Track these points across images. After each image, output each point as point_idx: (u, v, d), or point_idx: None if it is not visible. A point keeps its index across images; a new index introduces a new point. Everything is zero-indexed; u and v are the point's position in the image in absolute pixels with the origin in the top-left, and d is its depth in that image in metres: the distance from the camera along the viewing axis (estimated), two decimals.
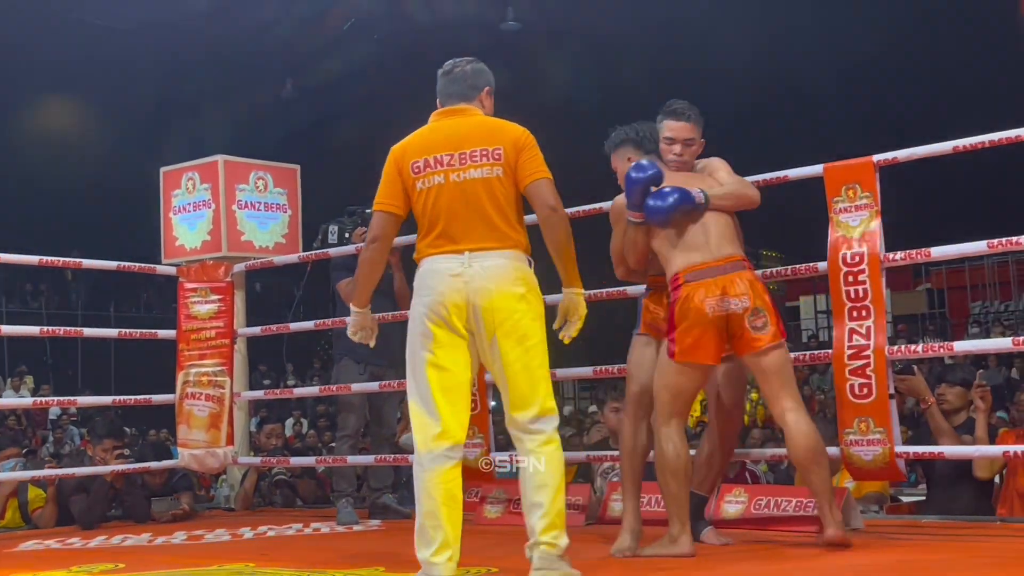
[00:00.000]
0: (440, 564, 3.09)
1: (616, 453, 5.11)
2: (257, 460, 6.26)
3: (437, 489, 3.12)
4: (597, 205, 4.67)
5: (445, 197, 3.22)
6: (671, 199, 3.71)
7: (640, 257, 3.89)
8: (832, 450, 4.25)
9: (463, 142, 3.24)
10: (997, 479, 4.86)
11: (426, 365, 3.19)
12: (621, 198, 3.92)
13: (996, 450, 4.38)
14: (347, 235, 5.49)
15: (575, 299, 3.29)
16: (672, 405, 3.73)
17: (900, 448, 4.07)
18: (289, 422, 13.75)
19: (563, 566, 3.07)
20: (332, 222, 5.58)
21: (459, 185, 3.21)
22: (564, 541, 3.08)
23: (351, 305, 3.53)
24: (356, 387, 5.37)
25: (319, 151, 14.81)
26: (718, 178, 3.91)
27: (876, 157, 4.11)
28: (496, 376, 3.24)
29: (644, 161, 3.80)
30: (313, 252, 5.71)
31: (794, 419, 3.63)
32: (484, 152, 3.21)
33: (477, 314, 3.14)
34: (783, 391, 3.67)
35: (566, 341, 3.32)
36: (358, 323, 3.51)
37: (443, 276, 3.17)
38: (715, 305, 3.63)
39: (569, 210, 4.61)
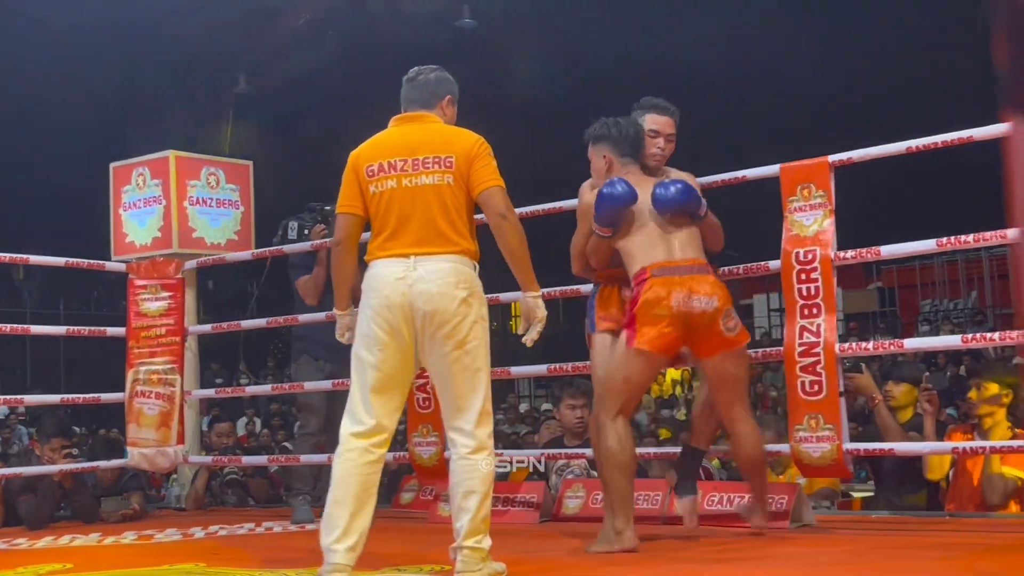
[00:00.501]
0: (339, 551, 3.14)
1: (571, 451, 5.13)
2: (208, 459, 6.21)
3: (352, 479, 3.21)
4: (556, 204, 4.67)
5: (396, 201, 3.29)
6: (684, 193, 3.77)
7: (603, 260, 3.96)
8: (783, 447, 4.29)
9: (417, 148, 3.32)
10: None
11: (367, 366, 3.27)
12: (589, 196, 3.94)
13: (944, 446, 4.43)
14: (306, 231, 5.46)
15: (533, 303, 3.34)
16: (623, 396, 3.74)
17: (850, 445, 4.12)
18: (242, 421, 13.62)
19: (485, 566, 3.18)
20: (292, 218, 5.55)
21: (410, 190, 3.28)
22: (487, 543, 3.18)
23: (335, 310, 3.58)
24: (310, 386, 5.34)
25: (276, 148, 14.70)
26: None
27: (831, 157, 4.16)
28: (435, 378, 3.31)
29: (618, 180, 3.80)
30: (267, 249, 5.67)
31: (744, 430, 3.81)
32: (436, 159, 3.29)
33: (420, 317, 3.20)
34: (738, 399, 3.79)
35: (528, 344, 3.36)
36: (343, 325, 3.57)
37: (388, 280, 3.24)
38: (681, 301, 3.65)
39: (528, 209, 4.67)
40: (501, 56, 14.16)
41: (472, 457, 3.20)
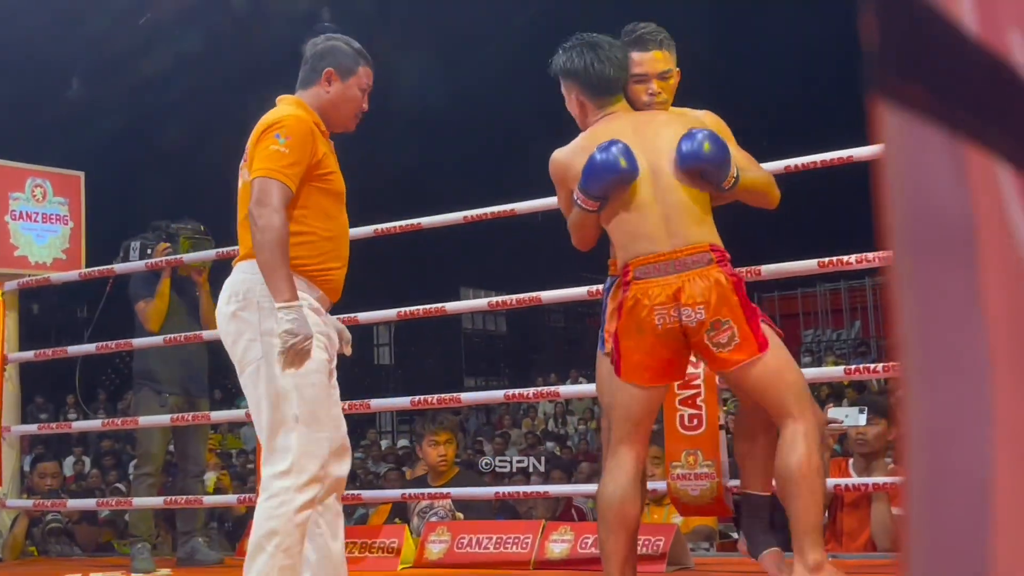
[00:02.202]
0: None
1: (435, 490, 5.09)
2: (29, 503, 5.97)
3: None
4: (411, 220, 4.64)
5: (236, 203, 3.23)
6: (713, 150, 3.03)
7: (588, 240, 3.28)
8: (659, 484, 4.32)
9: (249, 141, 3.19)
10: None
11: None
12: (560, 154, 3.24)
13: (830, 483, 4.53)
14: (149, 251, 5.32)
15: (276, 315, 2.95)
16: (621, 428, 3.12)
17: (733, 482, 4.16)
18: (69, 460, 13.19)
19: None
20: (135, 238, 5.42)
21: (238, 190, 3.20)
22: None
23: None
24: (146, 420, 5.18)
25: (116, 158, 14.34)
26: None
27: None
28: None
29: (615, 144, 3.06)
30: (95, 269, 5.50)
31: (782, 443, 3.08)
32: (246, 152, 3.17)
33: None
34: (775, 409, 3.08)
35: (281, 367, 2.99)
36: None
37: None
38: (666, 316, 3.02)
39: (391, 224, 4.63)
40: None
41: (258, 501, 2.97)
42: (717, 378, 4.11)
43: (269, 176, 2.99)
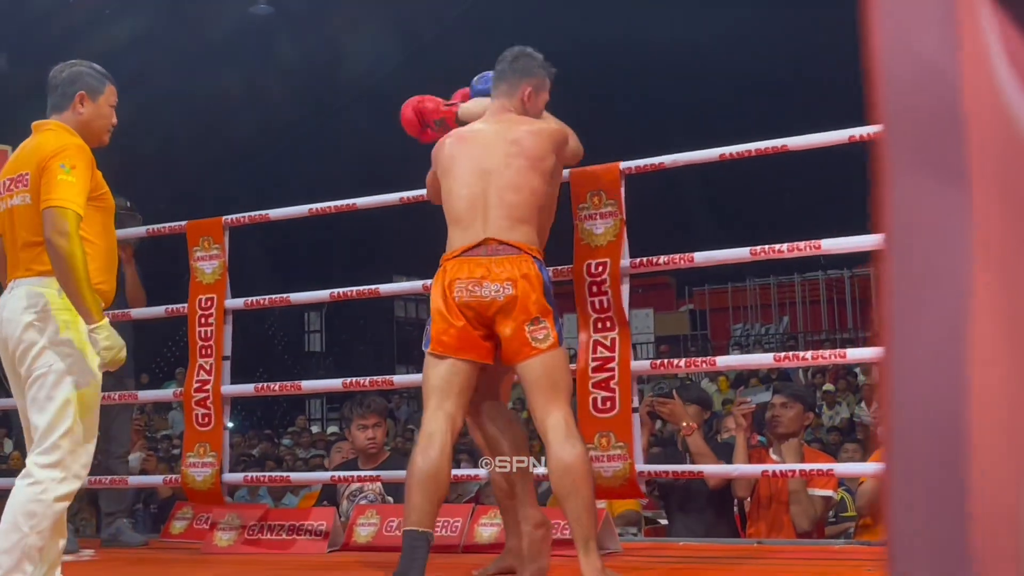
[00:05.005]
0: None
1: (364, 473, 5.05)
2: None
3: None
4: (346, 200, 4.60)
5: (2, 226, 3.39)
6: None
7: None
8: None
9: (17, 166, 3.37)
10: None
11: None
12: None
13: (752, 469, 4.56)
14: None
15: (91, 337, 3.25)
16: (430, 399, 3.40)
17: (644, 467, 4.18)
18: None
19: None
20: None
21: (5, 213, 3.36)
22: None
23: None
24: None
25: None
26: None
27: (623, 164, 4.18)
28: None
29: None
30: None
31: (553, 447, 3.27)
32: (19, 178, 3.34)
33: (5, 349, 3.28)
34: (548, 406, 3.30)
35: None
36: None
37: None
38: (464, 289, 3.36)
39: (336, 203, 4.56)
40: (299, 43, 14.00)
41: (18, 484, 3.15)
42: (633, 362, 4.13)
43: (64, 206, 3.19)
